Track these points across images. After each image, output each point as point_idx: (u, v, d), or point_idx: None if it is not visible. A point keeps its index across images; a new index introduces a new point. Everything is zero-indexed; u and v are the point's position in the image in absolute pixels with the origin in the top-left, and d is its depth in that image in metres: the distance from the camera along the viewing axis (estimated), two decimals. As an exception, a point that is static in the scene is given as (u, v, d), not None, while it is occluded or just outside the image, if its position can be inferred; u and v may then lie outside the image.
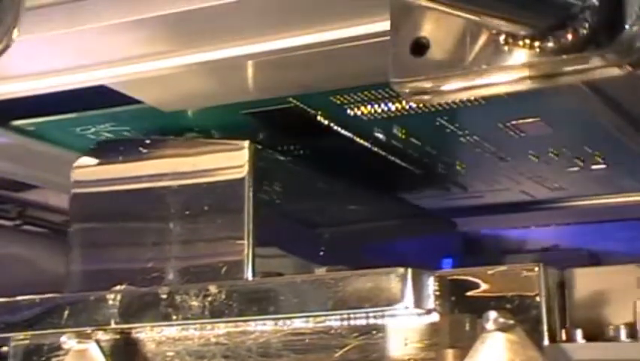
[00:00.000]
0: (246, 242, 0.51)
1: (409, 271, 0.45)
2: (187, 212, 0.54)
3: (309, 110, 0.54)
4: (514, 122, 0.55)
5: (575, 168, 0.63)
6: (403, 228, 0.71)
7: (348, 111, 0.54)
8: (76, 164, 0.58)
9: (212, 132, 0.58)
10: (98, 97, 0.53)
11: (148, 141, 0.57)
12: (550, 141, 0.59)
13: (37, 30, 0.46)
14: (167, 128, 0.58)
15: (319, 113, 0.55)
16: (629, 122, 0.52)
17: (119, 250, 0.56)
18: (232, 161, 0.53)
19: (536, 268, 0.45)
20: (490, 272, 0.46)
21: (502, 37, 0.34)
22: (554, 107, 0.53)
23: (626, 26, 0.32)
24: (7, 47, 0.31)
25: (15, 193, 0.94)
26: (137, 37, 0.46)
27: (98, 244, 0.57)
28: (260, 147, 0.53)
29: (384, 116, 0.55)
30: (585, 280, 0.46)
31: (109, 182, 0.57)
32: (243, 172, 0.52)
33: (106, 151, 0.58)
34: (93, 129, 0.58)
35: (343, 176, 0.61)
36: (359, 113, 0.54)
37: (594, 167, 0.63)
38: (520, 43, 0.34)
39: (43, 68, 0.50)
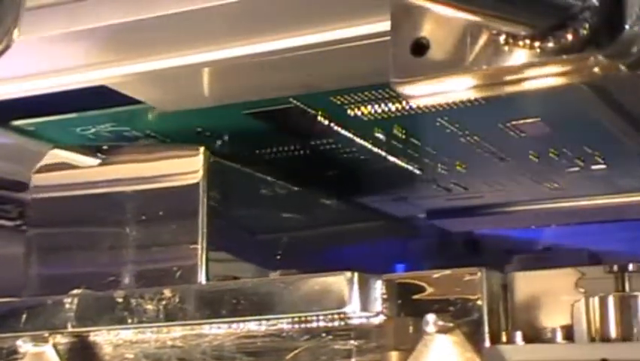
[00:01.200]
0: (199, 246, 0.52)
1: (356, 275, 0.46)
2: (143, 217, 0.55)
3: (309, 110, 0.54)
4: (514, 122, 0.55)
5: (575, 168, 0.63)
6: (361, 233, 0.72)
7: (349, 111, 0.54)
8: (35, 169, 0.58)
9: (213, 133, 0.58)
10: (98, 97, 0.53)
11: (105, 147, 0.57)
12: (550, 141, 0.59)
13: (37, 30, 0.46)
14: (168, 128, 0.58)
15: (319, 113, 0.55)
16: (629, 122, 0.52)
17: (77, 254, 0.57)
18: (187, 166, 0.54)
19: (479, 273, 0.46)
20: (435, 276, 0.47)
21: (502, 38, 0.34)
22: (554, 107, 0.53)
23: (626, 26, 0.32)
24: (7, 47, 0.31)
25: (15, 193, 0.94)
26: (138, 38, 0.47)
27: (55, 248, 0.58)
28: (214, 155, 0.54)
29: (384, 116, 0.55)
30: (526, 283, 0.48)
31: (66, 187, 0.58)
32: (198, 178, 0.53)
33: (65, 156, 0.58)
34: (93, 129, 0.58)
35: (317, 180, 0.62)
36: (359, 113, 0.54)
37: (594, 167, 0.63)
38: (520, 43, 0.34)
39: (43, 68, 0.50)
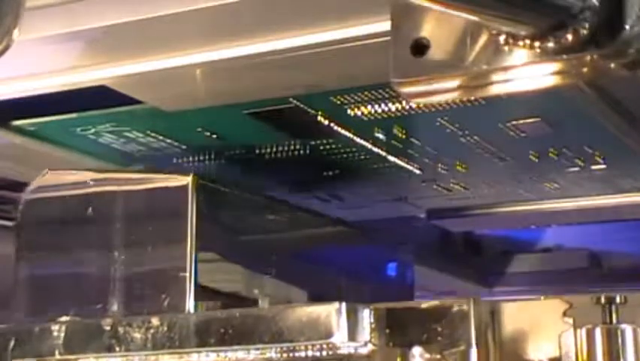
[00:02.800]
0: (187, 275, 0.52)
1: (344, 305, 0.46)
2: (131, 242, 0.55)
3: (309, 110, 0.54)
4: (514, 122, 0.55)
5: (575, 168, 0.63)
6: (352, 250, 0.72)
7: (349, 111, 0.54)
8: (25, 192, 0.59)
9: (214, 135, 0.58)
10: (98, 97, 0.53)
11: (94, 172, 0.58)
12: (550, 141, 0.59)
13: (37, 30, 0.46)
14: (168, 128, 0.58)
15: (319, 113, 0.55)
16: (629, 122, 0.52)
17: (66, 279, 0.57)
18: (176, 193, 0.54)
19: (467, 303, 0.47)
20: (424, 306, 0.47)
21: (502, 38, 0.34)
22: (554, 107, 0.53)
23: (626, 27, 0.32)
24: (7, 47, 0.31)
25: (15, 193, 0.94)
26: (138, 38, 0.47)
27: (44, 272, 0.58)
28: (203, 180, 0.54)
29: (384, 116, 0.55)
30: (514, 314, 0.48)
31: (56, 210, 0.58)
32: (186, 205, 0.53)
33: (55, 181, 0.59)
34: (93, 129, 0.58)
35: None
36: (359, 113, 0.54)
37: (594, 167, 0.63)
38: (521, 43, 0.34)
39: (43, 68, 0.50)
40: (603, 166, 0.63)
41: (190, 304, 0.52)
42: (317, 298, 0.59)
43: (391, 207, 0.74)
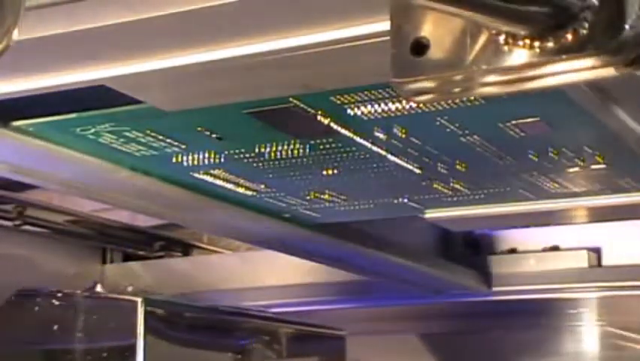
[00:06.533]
0: None
1: None
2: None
3: (308, 109, 0.54)
4: (514, 122, 0.55)
5: (575, 168, 0.63)
6: None
7: (349, 111, 0.54)
8: None
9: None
10: (98, 97, 0.53)
11: (60, 294, 0.59)
12: (550, 141, 0.59)
13: (37, 30, 0.46)
14: (168, 128, 0.58)
15: (319, 112, 0.55)
16: (629, 122, 0.53)
17: None
18: (126, 321, 0.54)
19: None
20: None
21: (502, 38, 0.34)
22: (554, 107, 0.53)
23: (626, 26, 0.33)
24: (7, 47, 0.31)
25: (15, 193, 0.94)
26: (138, 38, 0.47)
27: None
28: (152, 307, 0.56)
29: (384, 116, 0.55)
30: None
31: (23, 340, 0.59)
32: (136, 333, 0.54)
33: (22, 303, 0.60)
34: (93, 129, 0.58)
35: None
36: (359, 113, 0.54)
37: (594, 167, 0.63)
38: (520, 43, 0.34)
39: (43, 68, 0.50)
40: (603, 166, 0.63)
41: None
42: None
43: (391, 207, 0.74)
